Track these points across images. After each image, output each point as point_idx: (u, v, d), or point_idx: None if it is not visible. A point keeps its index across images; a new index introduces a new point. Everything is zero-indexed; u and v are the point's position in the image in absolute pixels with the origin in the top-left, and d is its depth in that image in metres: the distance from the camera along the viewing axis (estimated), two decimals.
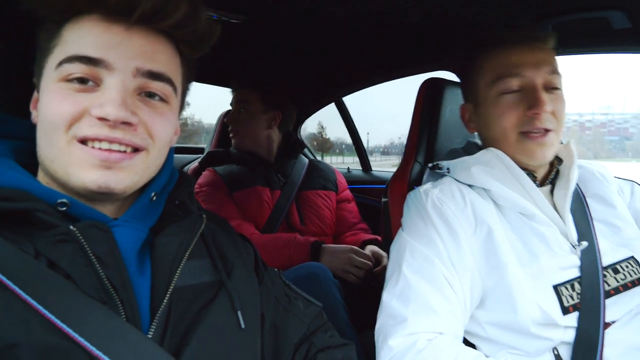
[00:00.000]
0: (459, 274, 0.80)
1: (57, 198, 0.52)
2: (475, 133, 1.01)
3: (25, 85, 0.59)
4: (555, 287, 0.77)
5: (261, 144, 1.70)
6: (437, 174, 0.99)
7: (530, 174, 0.89)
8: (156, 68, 0.56)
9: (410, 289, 0.78)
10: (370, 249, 1.54)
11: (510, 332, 0.78)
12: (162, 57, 0.57)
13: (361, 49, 1.52)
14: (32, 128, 0.57)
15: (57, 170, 0.54)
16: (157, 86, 0.56)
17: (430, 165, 1.01)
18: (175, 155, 0.66)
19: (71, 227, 0.50)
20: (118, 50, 0.53)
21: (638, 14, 0.97)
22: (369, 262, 1.41)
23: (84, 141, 0.52)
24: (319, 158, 2.73)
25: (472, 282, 0.80)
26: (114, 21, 0.54)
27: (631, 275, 0.82)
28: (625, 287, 0.81)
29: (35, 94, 0.59)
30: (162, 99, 0.58)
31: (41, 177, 0.57)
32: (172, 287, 0.56)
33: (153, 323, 0.52)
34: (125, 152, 0.54)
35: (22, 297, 0.45)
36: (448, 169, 0.96)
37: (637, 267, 0.83)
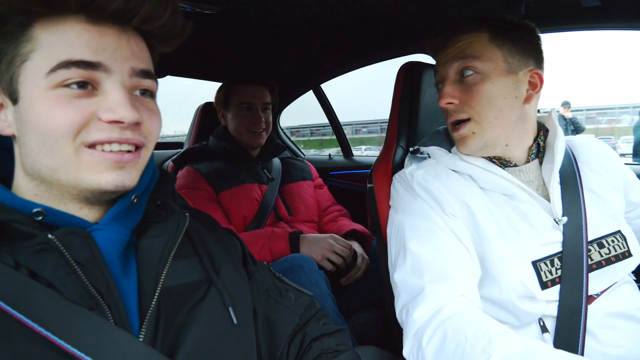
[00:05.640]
0: (460, 239, 0.80)
1: (32, 208, 0.51)
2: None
3: None
4: (534, 263, 0.79)
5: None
6: (419, 158, 1.00)
7: (502, 158, 0.89)
8: (146, 66, 0.57)
9: (420, 262, 0.78)
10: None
11: (496, 307, 0.80)
12: (146, 54, 0.58)
13: (338, 34, 1.50)
14: None
15: (62, 178, 0.52)
16: (148, 83, 0.57)
17: (411, 149, 1.01)
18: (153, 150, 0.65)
19: (49, 235, 0.48)
20: (115, 53, 0.53)
21: None
22: (347, 250, 1.42)
23: (92, 145, 0.52)
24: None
25: (474, 248, 0.81)
26: (105, 24, 0.52)
27: (616, 250, 0.83)
28: (609, 261, 0.82)
29: None
30: (151, 95, 0.59)
31: (23, 186, 0.55)
32: (159, 288, 0.55)
33: (143, 325, 0.52)
34: (131, 151, 0.55)
35: (4, 309, 0.43)
36: (429, 154, 0.96)
37: (623, 242, 0.84)
